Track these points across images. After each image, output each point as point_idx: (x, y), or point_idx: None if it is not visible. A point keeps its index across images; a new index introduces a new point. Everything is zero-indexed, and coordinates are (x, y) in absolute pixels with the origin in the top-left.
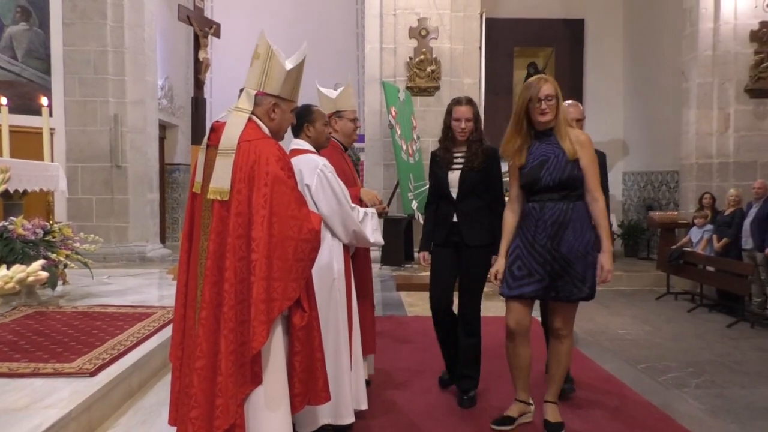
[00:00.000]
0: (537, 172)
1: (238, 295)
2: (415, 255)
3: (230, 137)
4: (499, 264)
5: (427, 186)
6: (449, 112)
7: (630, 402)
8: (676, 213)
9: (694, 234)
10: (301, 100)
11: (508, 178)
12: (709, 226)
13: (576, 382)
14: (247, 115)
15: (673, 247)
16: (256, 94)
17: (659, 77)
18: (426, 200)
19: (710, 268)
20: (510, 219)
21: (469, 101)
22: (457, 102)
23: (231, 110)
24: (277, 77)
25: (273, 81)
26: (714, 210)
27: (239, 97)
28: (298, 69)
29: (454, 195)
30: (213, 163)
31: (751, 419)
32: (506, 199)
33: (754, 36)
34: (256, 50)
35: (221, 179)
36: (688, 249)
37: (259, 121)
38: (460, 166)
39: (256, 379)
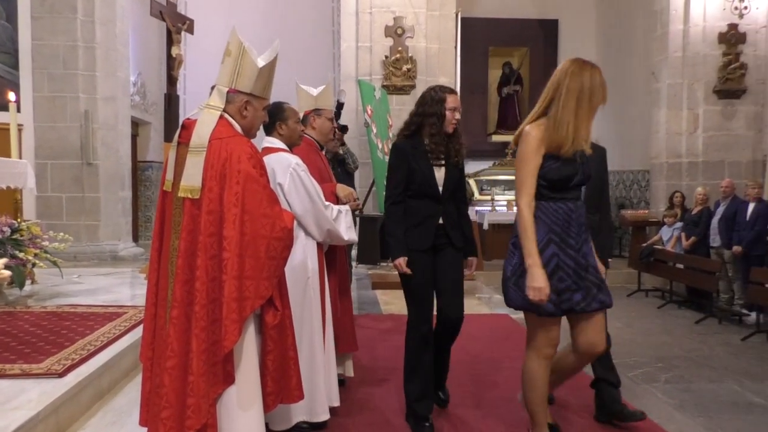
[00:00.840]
0: (572, 168)
1: (210, 293)
2: None
3: (201, 135)
4: (539, 277)
5: None
6: (441, 101)
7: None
8: (647, 211)
9: (665, 232)
10: (278, 98)
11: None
12: (679, 224)
13: None
14: (219, 112)
15: (644, 245)
16: (228, 92)
17: (631, 78)
18: (388, 198)
19: (680, 266)
20: (533, 222)
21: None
22: (450, 90)
23: (202, 108)
24: (249, 74)
25: (245, 78)
26: (684, 208)
27: (211, 94)
28: (271, 66)
29: (440, 193)
30: (184, 160)
31: (717, 412)
32: (523, 198)
33: (722, 38)
34: (227, 47)
35: (192, 177)
36: (659, 247)
37: (231, 119)
38: (442, 162)
39: (229, 379)
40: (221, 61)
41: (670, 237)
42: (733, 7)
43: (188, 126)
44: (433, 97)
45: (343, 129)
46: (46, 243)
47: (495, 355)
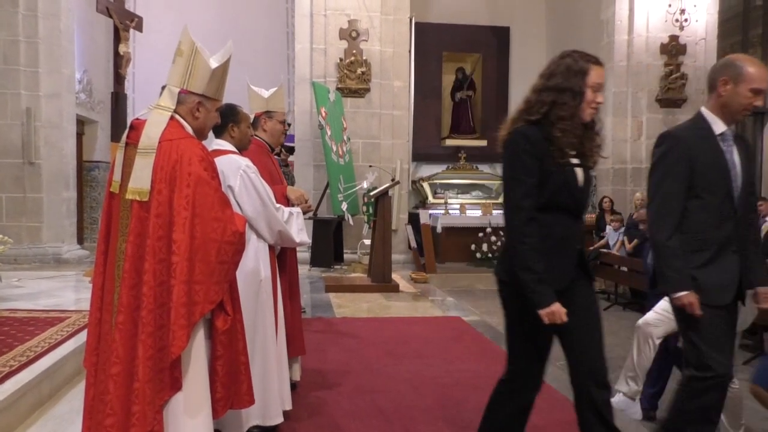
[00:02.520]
0: None
1: (158, 298)
2: (345, 256)
3: (150, 136)
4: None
5: (358, 187)
6: (582, 73)
7: (548, 397)
8: (593, 216)
9: (611, 236)
10: (229, 100)
11: None
12: (623, 228)
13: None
14: (169, 113)
15: (591, 248)
16: (179, 92)
17: None
18: (516, 211)
19: (624, 268)
20: None
21: None
22: (595, 61)
23: (152, 108)
24: (201, 75)
25: (197, 79)
26: (612, 212)
27: (161, 94)
28: (224, 67)
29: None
30: (132, 162)
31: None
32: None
33: (664, 49)
34: (179, 47)
35: (140, 179)
36: (605, 250)
37: (182, 120)
38: (578, 162)
39: (176, 385)
40: (172, 60)
41: (615, 241)
42: (674, 19)
43: (137, 126)
44: (571, 67)
45: (290, 150)
46: None
47: (447, 357)
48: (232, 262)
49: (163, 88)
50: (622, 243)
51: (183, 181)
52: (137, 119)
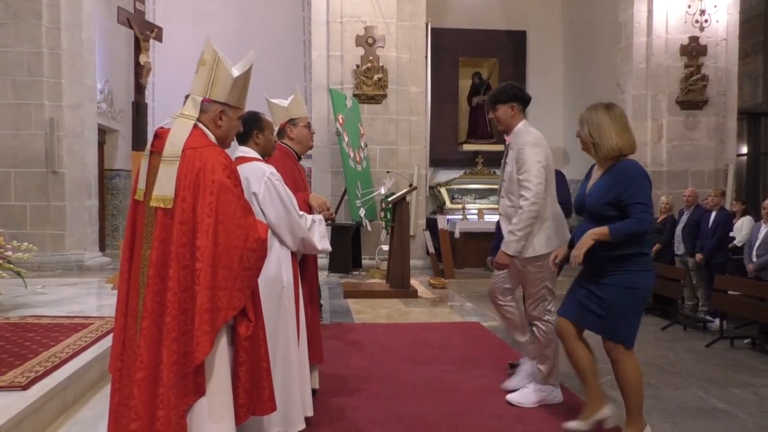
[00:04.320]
0: None
1: (182, 304)
2: (364, 262)
3: (174, 144)
4: None
5: (375, 193)
6: None
7: (567, 402)
8: None
9: None
10: (249, 108)
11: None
12: None
13: None
14: (193, 121)
15: None
16: (202, 101)
17: (597, 88)
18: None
19: None
20: None
21: None
22: None
23: (176, 116)
24: (223, 84)
25: (219, 88)
26: None
27: (184, 103)
28: (245, 76)
29: None
30: (156, 170)
31: (682, 418)
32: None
33: (684, 50)
34: (201, 56)
35: (165, 187)
36: None
37: (205, 128)
38: None
39: (199, 390)
40: (195, 70)
41: None
42: (694, 20)
43: (161, 135)
44: None
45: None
46: (9, 253)
47: (467, 362)
48: (255, 269)
49: (187, 97)
50: None
51: (206, 188)
52: (161, 128)
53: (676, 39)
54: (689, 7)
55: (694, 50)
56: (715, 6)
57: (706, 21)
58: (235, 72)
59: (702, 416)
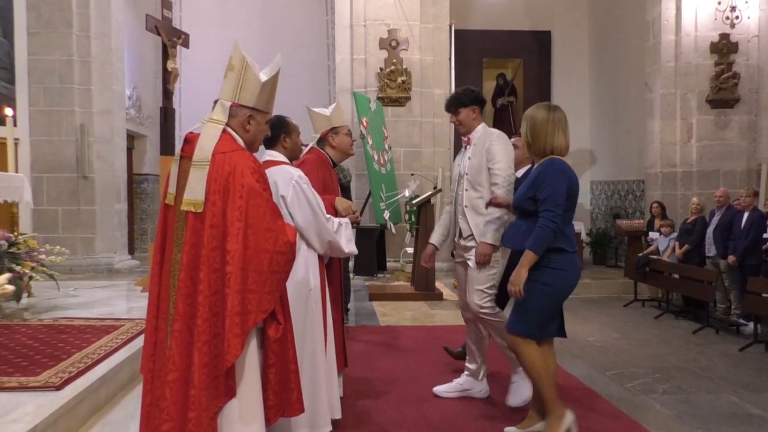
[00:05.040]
0: None
1: (212, 307)
2: (388, 264)
3: (204, 149)
4: None
5: (400, 196)
6: None
7: (599, 408)
8: (642, 221)
9: (661, 242)
10: (276, 113)
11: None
12: (675, 234)
13: None
14: (222, 126)
15: (640, 255)
16: (231, 106)
17: (624, 88)
18: None
19: (675, 276)
20: None
21: None
22: None
23: (205, 121)
24: (251, 89)
25: (248, 93)
26: (663, 218)
27: (213, 108)
28: (273, 81)
29: None
30: (187, 174)
31: (716, 424)
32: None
33: (714, 47)
34: (230, 62)
35: (195, 191)
36: (655, 257)
37: (233, 133)
38: None
39: (230, 392)
40: (224, 75)
41: (666, 247)
42: (724, 17)
43: (191, 140)
44: None
45: None
46: (42, 256)
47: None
48: (284, 272)
49: (216, 102)
50: (673, 249)
51: (236, 192)
52: (191, 133)
53: (706, 36)
54: (719, 3)
55: (724, 47)
56: (746, 2)
57: (737, 17)
58: (263, 76)
59: (736, 422)
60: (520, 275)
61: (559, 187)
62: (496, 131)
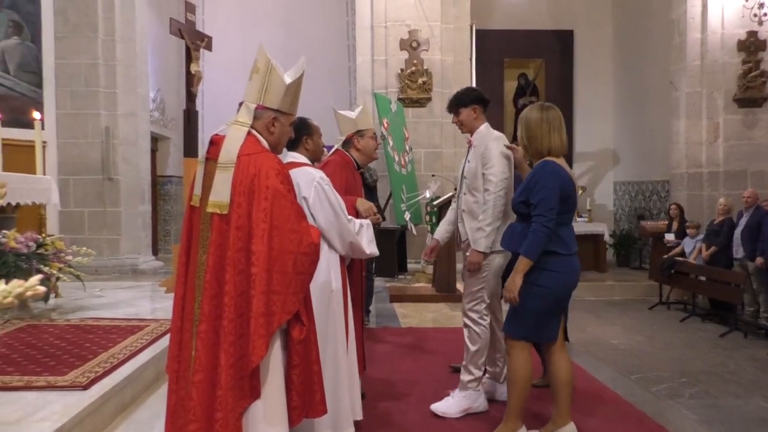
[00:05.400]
0: None
1: (238, 308)
2: (409, 266)
3: (230, 151)
4: None
5: (420, 197)
6: None
7: (623, 413)
8: (666, 222)
9: (687, 244)
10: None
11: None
12: (701, 236)
13: None
14: (247, 128)
15: (665, 256)
16: (255, 108)
17: (648, 87)
18: None
19: (702, 278)
20: None
21: None
22: None
23: (230, 124)
24: (276, 91)
25: (272, 95)
26: (682, 220)
27: (238, 110)
28: (298, 83)
29: None
30: (212, 176)
31: (745, 429)
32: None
33: (742, 45)
34: (255, 64)
35: (221, 193)
36: (680, 259)
37: (258, 135)
38: None
39: (255, 393)
40: (249, 77)
41: (692, 249)
42: (752, 14)
43: (216, 142)
44: None
45: None
46: (69, 257)
47: None
48: (308, 273)
49: (241, 104)
50: (700, 251)
51: (261, 194)
52: (217, 135)
53: (733, 34)
54: (746, 0)
55: (752, 45)
56: None
57: (765, 14)
58: (288, 79)
59: (766, 428)
60: (514, 282)
61: (552, 191)
62: (495, 133)
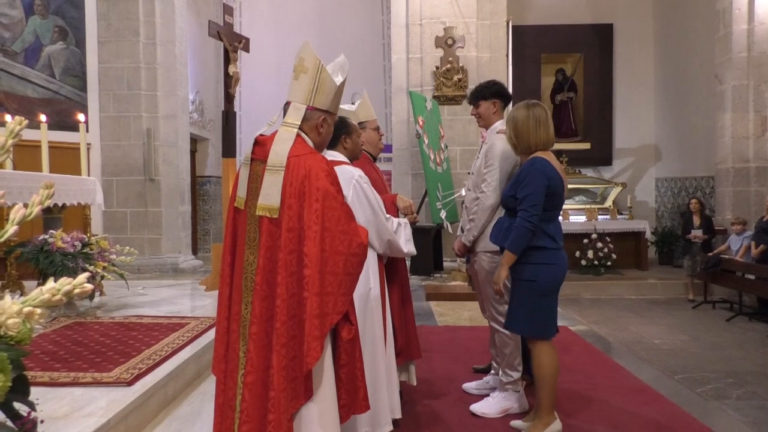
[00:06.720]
0: None
1: (290, 310)
2: (445, 264)
3: (280, 153)
4: None
5: (456, 195)
6: None
7: (668, 414)
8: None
9: (733, 241)
10: None
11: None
12: (749, 233)
13: (611, 393)
14: (296, 130)
15: (710, 254)
16: (306, 109)
17: (691, 81)
18: None
19: (750, 276)
20: None
21: None
22: None
23: (272, 123)
24: (327, 92)
25: (323, 96)
26: (702, 217)
27: (285, 111)
28: (343, 83)
29: None
30: (257, 177)
31: None
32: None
33: None
34: (301, 63)
35: (270, 196)
36: (726, 256)
37: (305, 136)
38: None
39: (308, 393)
40: (294, 77)
41: (739, 246)
42: None
43: (262, 142)
44: None
45: None
46: (113, 256)
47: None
48: (356, 274)
49: (287, 104)
50: (747, 248)
51: (312, 195)
52: (262, 135)
53: None
54: None
55: None
56: None
57: None
58: (338, 79)
59: None
60: (499, 274)
61: (538, 188)
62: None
